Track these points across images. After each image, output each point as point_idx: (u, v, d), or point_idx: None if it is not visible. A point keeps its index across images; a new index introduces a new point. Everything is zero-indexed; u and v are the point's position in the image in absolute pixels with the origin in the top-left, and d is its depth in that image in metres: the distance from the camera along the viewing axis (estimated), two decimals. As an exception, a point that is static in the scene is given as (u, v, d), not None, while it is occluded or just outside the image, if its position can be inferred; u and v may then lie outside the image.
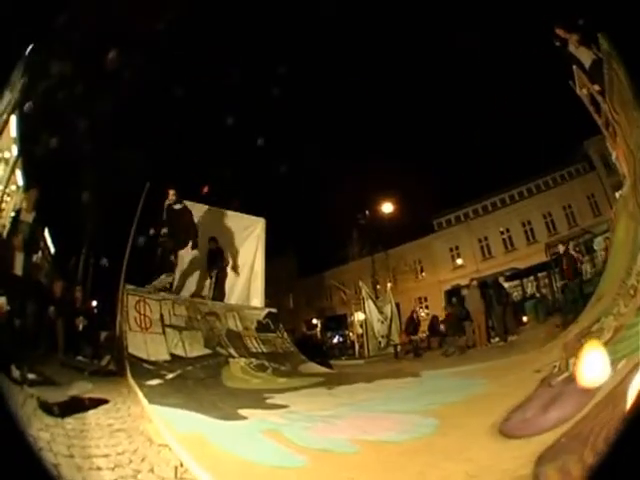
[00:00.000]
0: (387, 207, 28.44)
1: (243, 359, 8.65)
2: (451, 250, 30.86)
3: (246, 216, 12.82)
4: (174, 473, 3.04)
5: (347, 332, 21.86)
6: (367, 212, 27.96)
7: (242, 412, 4.75)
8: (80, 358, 7.53)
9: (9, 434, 2.15)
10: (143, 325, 8.50)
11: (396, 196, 26.85)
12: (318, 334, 25.70)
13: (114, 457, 3.35)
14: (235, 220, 12.44)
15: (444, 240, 31.45)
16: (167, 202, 10.72)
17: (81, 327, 8.29)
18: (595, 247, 14.56)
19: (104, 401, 4.62)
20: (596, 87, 8.57)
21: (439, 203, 29.96)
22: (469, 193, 29.42)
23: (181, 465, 3.11)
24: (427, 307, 25.88)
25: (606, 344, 4.33)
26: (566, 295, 15.22)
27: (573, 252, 13.59)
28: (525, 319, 16.58)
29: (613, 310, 5.40)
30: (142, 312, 8.69)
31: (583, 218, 23.59)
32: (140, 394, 5.07)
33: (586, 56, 8.65)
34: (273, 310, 12.19)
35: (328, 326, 26.34)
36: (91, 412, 4.30)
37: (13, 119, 7.73)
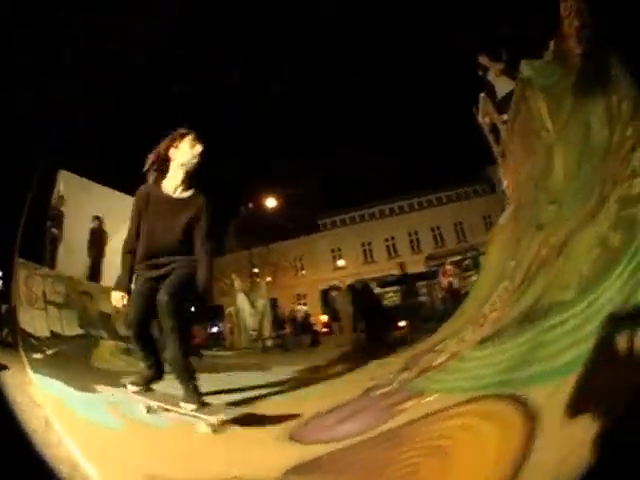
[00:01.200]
0: (271, 202, 28.96)
1: (112, 342, 8.55)
2: (333, 251, 32.00)
3: (129, 196, 12.02)
4: (43, 425, 3.39)
5: (222, 323, 20.62)
6: (250, 204, 28.11)
7: (97, 387, 5.09)
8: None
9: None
10: (30, 300, 8.50)
11: (283, 191, 27.21)
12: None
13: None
14: (121, 201, 11.83)
15: (328, 240, 32.49)
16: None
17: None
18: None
19: (4, 367, 4.92)
20: (503, 117, 8.92)
21: (328, 203, 30.79)
22: (359, 198, 30.29)
23: (47, 421, 3.45)
24: (305, 304, 26.17)
25: (432, 369, 4.31)
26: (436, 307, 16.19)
27: (449, 267, 14.51)
28: (401, 324, 17.13)
29: (460, 333, 5.52)
30: (30, 287, 8.66)
31: (474, 236, 24.67)
32: (27, 365, 5.33)
33: (504, 85, 8.90)
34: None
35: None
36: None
37: None
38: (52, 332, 8.11)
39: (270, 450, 3.15)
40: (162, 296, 3.83)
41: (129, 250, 4.49)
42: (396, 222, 31.33)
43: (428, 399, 3.40)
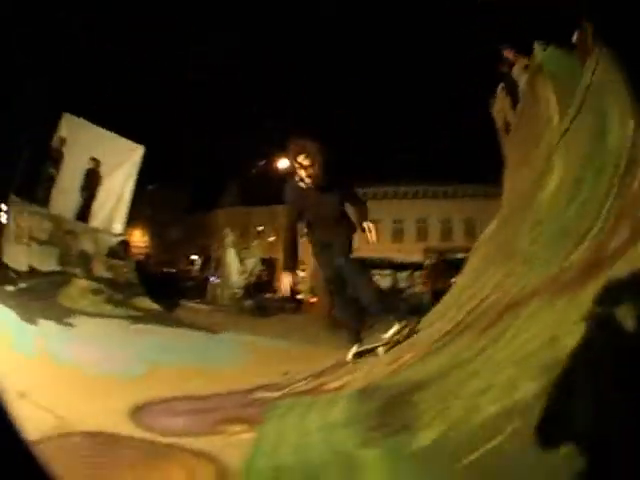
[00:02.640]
0: (284, 163, 28.76)
1: (84, 281, 8.72)
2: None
3: (127, 141, 12.56)
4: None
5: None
6: (263, 162, 28.07)
7: (40, 320, 5.42)
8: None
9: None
10: (17, 236, 8.82)
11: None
12: (193, 272, 25.82)
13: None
14: (116, 143, 12.27)
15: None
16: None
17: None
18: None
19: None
20: (514, 114, 8.17)
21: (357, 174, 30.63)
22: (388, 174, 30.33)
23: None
24: (303, 270, 26.50)
25: (311, 393, 3.67)
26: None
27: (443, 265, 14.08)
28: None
29: (389, 355, 4.38)
30: (18, 223, 8.98)
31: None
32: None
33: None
34: (125, 238, 12.07)
35: (205, 266, 25.76)
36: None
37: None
38: (30, 267, 8.39)
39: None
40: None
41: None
42: (407, 206, 31.43)
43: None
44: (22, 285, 7.64)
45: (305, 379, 4.10)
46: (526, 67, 8.03)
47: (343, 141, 27.11)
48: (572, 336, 1.97)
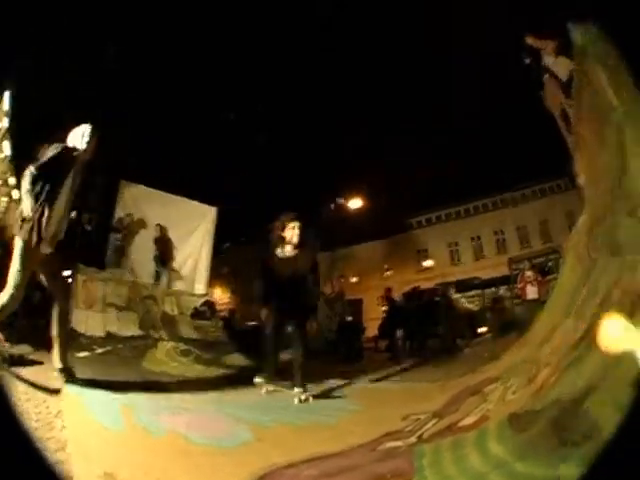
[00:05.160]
0: (356, 203, 28.85)
1: (172, 343, 8.79)
2: (419, 252, 31.79)
3: (197, 203, 12.78)
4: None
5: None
6: (332, 205, 28.24)
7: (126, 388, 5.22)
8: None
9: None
10: (88, 302, 8.96)
11: (368, 192, 27.42)
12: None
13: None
14: (185, 207, 12.52)
15: (413, 241, 32.07)
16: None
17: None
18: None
19: (39, 362, 5.37)
20: (570, 101, 7.38)
21: (412, 204, 30.10)
22: (441, 197, 29.55)
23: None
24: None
25: (450, 433, 3.39)
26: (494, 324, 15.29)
27: (530, 272, 13.10)
28: (482, 330, 16.22)
29: (509, 380, 4.12)
30: (89, 290, 9.14)
31: (557, 236, 23.46)
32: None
33: (565, 67, 7.32)
34: (210, 298, 12.52)
35: None
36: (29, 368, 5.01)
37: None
38: (107, 332, 8.49)
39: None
40: None
41: None
42: (480, 221, 30.51)
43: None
44: (99, 350, 7.70)
45: (431, 420, 3.86)
46: (558, 50, 7.45)
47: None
48: None
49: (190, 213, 12.48)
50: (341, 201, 27.04)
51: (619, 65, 4.54)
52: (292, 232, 6.36)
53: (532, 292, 12.55)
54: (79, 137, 5.39)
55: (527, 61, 8.06)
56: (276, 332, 6.12)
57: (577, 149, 7.47)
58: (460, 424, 3.46)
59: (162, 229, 11.75)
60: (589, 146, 6.59)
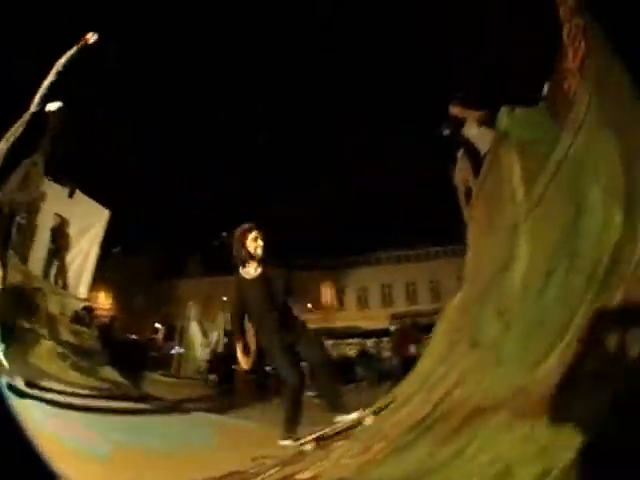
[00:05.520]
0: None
1: (52, 343, 8.33)
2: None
3: (95, 203, 12.23)
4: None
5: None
6: (225, 234, 28.17)
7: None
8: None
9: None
10: None
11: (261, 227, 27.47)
12: (159, 341, 25.13)
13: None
14: (84, 204, 11.89)
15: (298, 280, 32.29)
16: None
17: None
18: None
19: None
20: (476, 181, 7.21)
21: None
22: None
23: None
24: None
25: None
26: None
27: (409, 331, 13.67)
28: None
29: (359, 440, 4.05)
30: None
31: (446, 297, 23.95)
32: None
33: (487, 139, 6.79)
34: (89, 304, 11.96)
35: (169, 335, 25.05)
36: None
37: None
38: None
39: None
40: None
41: None
42: (371, 273, 31.53)
43: None
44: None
45: (275, 466, 3.89)
46: (482, 122, 7.23)
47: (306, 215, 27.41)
48: (526, 471, 1.95)
49: (88, 211, 11.95)
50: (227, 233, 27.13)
51: (542, 151, 4.53)
52: (255, 244, 5.22)
53: (411, 349, 13.05)
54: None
55: (446, 132, 7.87)
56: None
57: (470, 226, 7.52)
58: (297, 476, 3.50)
59: (62, 220, 11.19)
60: (479, 227, 6.66)
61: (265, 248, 5.28)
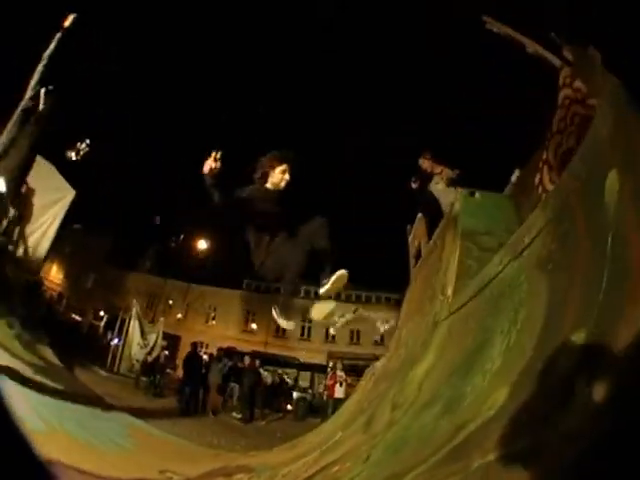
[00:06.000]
0: (202, 244, 29.94)
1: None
2: (248, 313, 32.37)
3: (63, 180, 12.13)
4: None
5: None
6: (181, 237, 28.36)
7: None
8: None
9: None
10: None
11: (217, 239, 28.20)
12: (100, 328, 24.62)
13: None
14: (53, 178, 11.80)
15: (245, 301, 32.76)
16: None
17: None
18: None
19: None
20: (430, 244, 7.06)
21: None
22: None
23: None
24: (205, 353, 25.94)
25: None
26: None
27: (341, 372, 13.65)
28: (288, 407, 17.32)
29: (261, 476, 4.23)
30: None
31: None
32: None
33: (450, 199, 6.60)
34: (39, 277, 11.94)
35: (109, 326, 24.40)
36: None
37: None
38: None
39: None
40: None
41: None
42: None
43: None
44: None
45: None
46: (450, 181, 7.22)
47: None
48: None
49: (57, 186, 11.98)
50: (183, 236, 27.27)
51: (489, 245, 4.54)
52: (282, 176, 4.18)
53: (339, 392, 13.09)
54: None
55: (414, 186, 7.67)
56: None
57: (403, 305, 7.56)
58: None
59: (28, 189, 10.92)
60: (414, 309, 6.36)
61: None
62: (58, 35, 6.24)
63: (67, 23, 6.34)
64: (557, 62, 5.13)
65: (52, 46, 6.17)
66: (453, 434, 2.33)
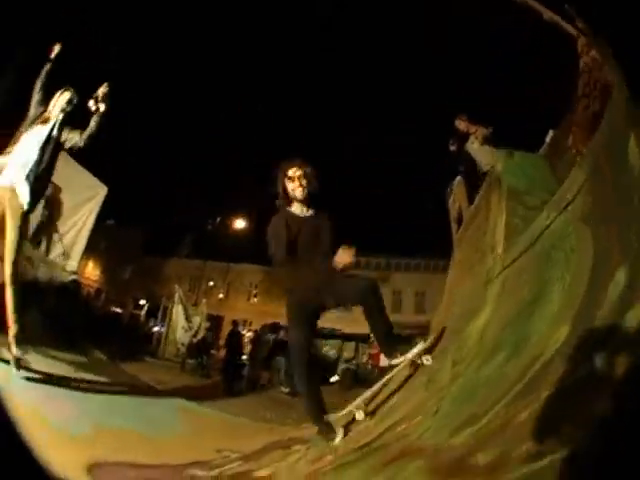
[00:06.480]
0: (240, 223, 30.02)
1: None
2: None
3: (94, 178, 12.18)
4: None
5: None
6: (219, 220, 28.41)
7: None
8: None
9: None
10: None
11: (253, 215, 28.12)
12: (141, 316, 24.79)
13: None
14: (84, 178, 11.75)
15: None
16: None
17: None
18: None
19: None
20: (472, 208, 7.05)
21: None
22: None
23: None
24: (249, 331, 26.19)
25: None
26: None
27: None
28: (333, 379, 17.03)
29: (317, 446, 4.01)
30: None
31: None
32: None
33: (487, 157, 6.95)
34: (77, 278, 11.95)
35: (152, 313, 24.69)
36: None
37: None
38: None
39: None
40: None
41: None
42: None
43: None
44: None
45: (237, 460, 4.00)
46: (485, 140, 7.30)
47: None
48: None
49: (88, 184, 11.96)
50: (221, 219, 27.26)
51: (533, 203, 4.55)
52: (293, 185, 4.29)
53: (384, 360, 12.97)
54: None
55: (453, 148, 7.72)
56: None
57: (450, 269, 7.30)
58: (255, 474, 3.58)
59: (55, 188, 10.55)
60: (462, 271, 6.36)
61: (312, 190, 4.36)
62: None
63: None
64: (573, 31, 5.11)
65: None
66: (521, 376, 2.42)
